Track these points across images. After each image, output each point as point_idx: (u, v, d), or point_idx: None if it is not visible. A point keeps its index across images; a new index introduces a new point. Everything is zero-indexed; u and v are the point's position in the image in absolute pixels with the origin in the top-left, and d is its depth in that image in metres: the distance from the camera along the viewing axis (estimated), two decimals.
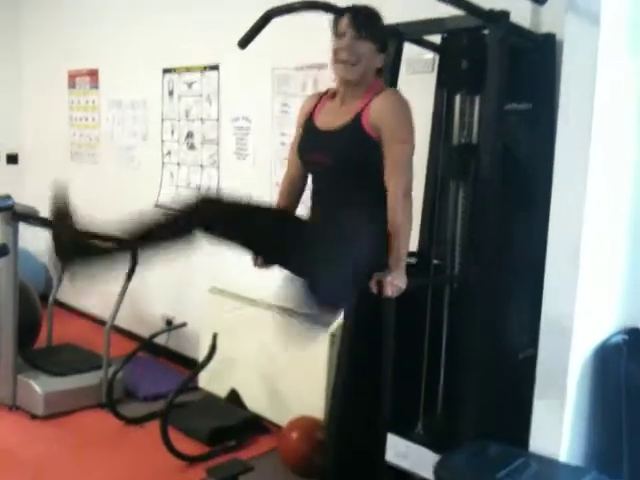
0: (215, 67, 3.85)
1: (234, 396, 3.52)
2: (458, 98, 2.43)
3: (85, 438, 3.27)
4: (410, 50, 2.61)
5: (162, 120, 4.25)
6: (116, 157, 4.69)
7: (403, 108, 2.13)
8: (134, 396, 3.68)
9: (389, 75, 2.50)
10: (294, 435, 2.96)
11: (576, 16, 2.04)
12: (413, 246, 2.57)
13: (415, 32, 2.52)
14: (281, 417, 3.22)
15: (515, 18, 2.27)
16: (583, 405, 2.21)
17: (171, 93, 4.17)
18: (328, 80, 2.16)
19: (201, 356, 3.39)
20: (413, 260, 2.46)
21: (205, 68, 3.92)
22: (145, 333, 4.09)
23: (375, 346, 2.38)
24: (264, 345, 3.36)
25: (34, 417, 3.41)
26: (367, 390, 2.45)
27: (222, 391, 3.58)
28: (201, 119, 3.99)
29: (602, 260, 2.19)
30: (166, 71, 4.17)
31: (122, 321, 4.14)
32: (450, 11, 2.19)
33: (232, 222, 2.01)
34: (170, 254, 2.02)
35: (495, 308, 2.29)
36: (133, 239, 1.99)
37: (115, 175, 4.71)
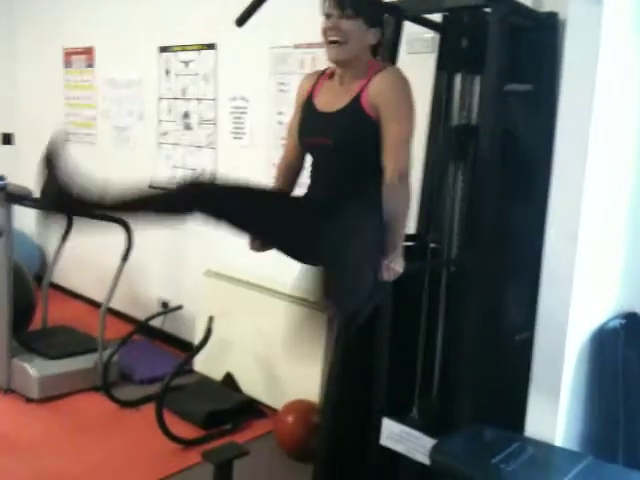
0: (212, 46, 3.80)
1: (229, 379, 3.51)
2: (458, 78, 2.38)
3: (80, 421, 3.27)
4: (410, 29, 2.56)
5: (158, 100, 4.20)
6: (112, 137, 4.64)
7: (402, 86, 2.08)
8: (130, 379, 3.66)
9: (388, 54, 2.45)
10: (290, 419, 2.95)
11: None
12: (411, 229, 2.54)
13: (415, 10, 2.47)
14: (277, 400, 3.22)
15: None
16: (579, 390, 2.20)
17: (167, 72, 4.12)
18: (326, 59, 2.13)
19: (197, 339, 3.38)
20: (410, 243, 2.44)
21: (202, 47, 3.86)
22: (141, 316, 4.07)
23: (371, 330, 2.36)
24: (260, 328, 3.34)
25: (29, 400, 3.40)
26: (362, 374, 2.43)
27: (218, 374, 3.58)
28: (198, 99, 3.94)
29: (600, 244, 2.16)
30: (162, 50, 4.12)
31: (118, 303, 4.13)
32: None
33: (227, 203, 1.99)
34: (161, 227, 1.99)
35: (492, 292, 2.27)
36: (121, 204, 1.97)
37: (111, 155, 4.66)
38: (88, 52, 4.77)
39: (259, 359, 3.37)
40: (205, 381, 3.61)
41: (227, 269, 3.64)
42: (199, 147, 3.97)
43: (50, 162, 1.87)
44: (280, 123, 3.41)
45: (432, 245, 2.50)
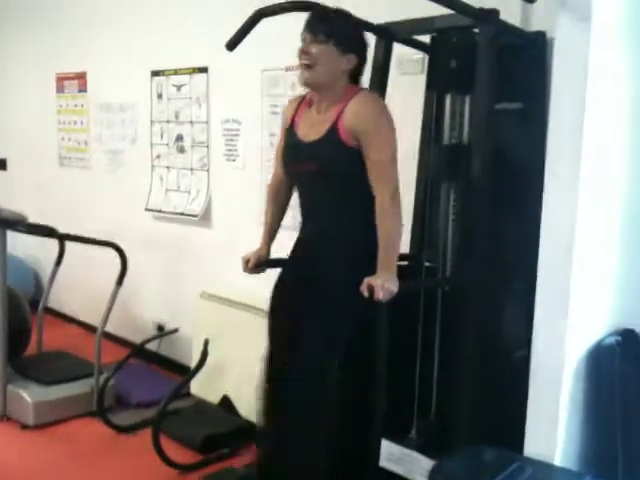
0: (204, 69, 3.82)
1: (227, 402, 3.48)
2: (448, 98, 2.40)
3: (76, 447, 3.23)
4: (400, 50, 2.58)
5: (151, 123, 4.21)
6: (106, 161, 4.65)
7: (378, 109, 2.10)
8: (126, 403, 3.63)
9: (378, 76, 2.48)
10: None
11: (567, 13, 2.01)
12: (405, 248, 2.55)
13: (404, 32, 2.49)
14: None
15: (505, 16, 2.25)
16: (577, 407, 2.18)
17: (160, 96, 4.13)
18: None
19: (193, 362, 3.36)
20: (405, 263, 2.44)
21: (194, 70, 3.88)
22: (136, 339, 4.05)
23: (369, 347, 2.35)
24: (257, 350, 3.32)
25: (24, 427, 3.37)
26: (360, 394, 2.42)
27: (214, 397, 3.55)
28: (190, 122, 3.95)
29: (595, 260, 2.16)
30: (154, 74, 4.14)
31: (113, 327, 4.10)
32: (440, 10, 2.16)
33: None
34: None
35: (488, 309, 2.27)
36: None
37: (104, 179, 4.67)
38: (81, 77, 4.79)
39: (256, 381, 3.34)
40: (202, 404, 3.58)
41: (222, 291, 3.63)
42: (192, 170, 3.97)
43: None
44: (272, 145, 3.41)
45: (427, 264, 2.50)
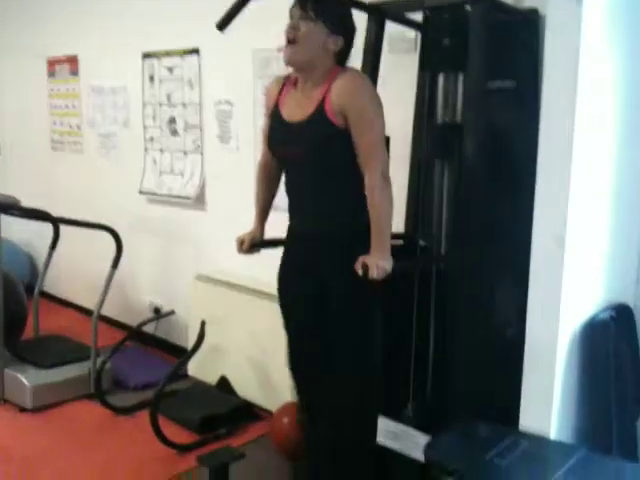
0: (195, 51, 3.79)
1: (224, 383, 3.50)
2: (441, 76, 2.39)
3: (75, 429, 3.25)
4: (392, 28, 2.57)
5: (143, 105, 4.19)
6: (98, 145, 4.63)
7: (363, 87, 2.09)
8: (123, 386, 3.65)
9: (371, 55, 2.46)
10: (285, 420, 2.95)
11: None
12: (400, 228, 2.56)
13: (397, 10, 2.48)
14: (272, 403, 3.21)
15: None
16: (572, 382, 2.20)
17: (152, 78, 4.11)
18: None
19: (190, 344, 3.38)
20: (399, 242, 2.44)
21: (185, 52, 3.86)
22: (133, 322, 4.06)
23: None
24: (253, 331, 3.34)
25: (23, 410, 3.39)
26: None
27: (212, 378, 3.57)
28: (183, 104, 3.93)
29: (588, 236, 2.17)
30: (146, 56, 4.11)
31: (109, 310, 4.12)
32: None
33: None
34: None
35: (482, 287, 2.28)
36: None
37: (97, 162, 4.65)
38: (72, 61, 4.75)
39: (253, 362, 3.36)
40: (199, 385, 3.61)
41: (218, 273, 3.64)
42: (186, 152, 3.96)
43: None
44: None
45: (421, 243, 2.51)
